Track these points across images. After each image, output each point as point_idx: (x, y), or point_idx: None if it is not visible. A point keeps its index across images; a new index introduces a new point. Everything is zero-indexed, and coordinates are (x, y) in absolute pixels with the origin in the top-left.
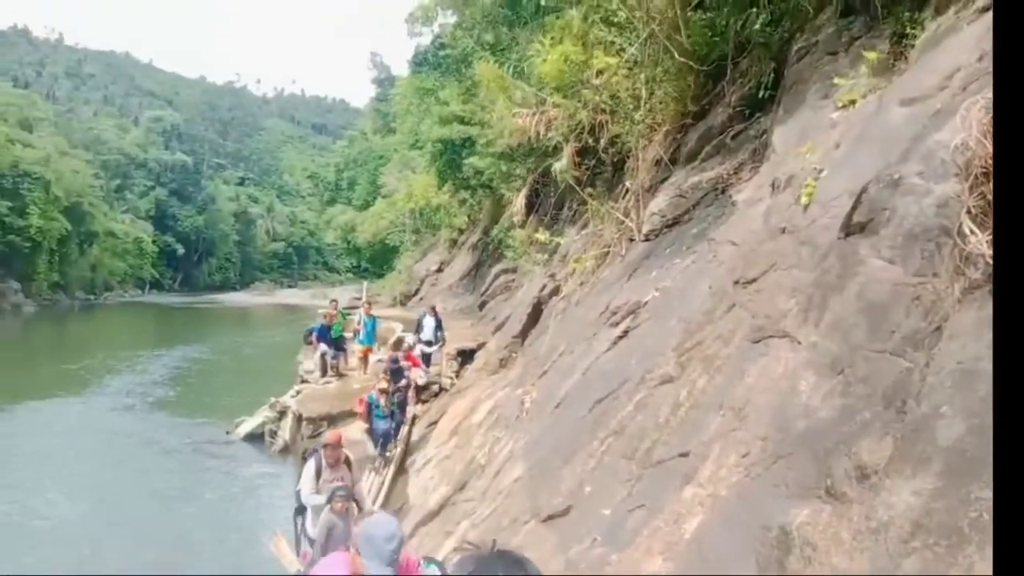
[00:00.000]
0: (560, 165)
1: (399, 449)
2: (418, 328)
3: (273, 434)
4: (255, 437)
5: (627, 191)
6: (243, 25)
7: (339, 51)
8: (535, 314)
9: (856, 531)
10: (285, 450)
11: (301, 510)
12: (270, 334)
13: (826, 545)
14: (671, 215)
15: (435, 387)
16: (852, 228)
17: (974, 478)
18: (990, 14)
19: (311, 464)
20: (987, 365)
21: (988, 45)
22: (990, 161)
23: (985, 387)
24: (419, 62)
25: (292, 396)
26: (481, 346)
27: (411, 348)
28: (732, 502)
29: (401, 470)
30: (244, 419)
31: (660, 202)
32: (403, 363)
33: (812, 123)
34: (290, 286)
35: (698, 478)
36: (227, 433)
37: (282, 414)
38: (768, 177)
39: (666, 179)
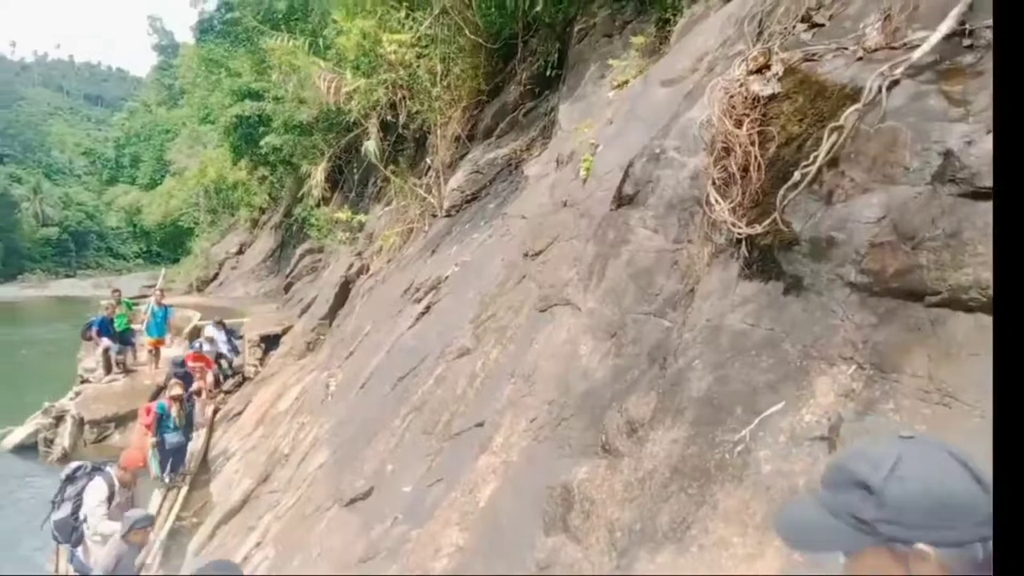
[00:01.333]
0: (368, 144)
1: (192, 465)
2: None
3: (49, 442)
4: (26, 448)
5: (429, 168)
6: None
7: (112, 14)
8: (343, 294)
9: (627, 482)
10: (65, 458)
11: (79, 540)
12: (43, 331)
13: (602, 498)
14: (470, 191)
15: (238, 377)
16: (623, 200)
17: (718, 424)
18: (731, 5)
19: (100, 485)
20: (729, 320)
21: (730, 31)
22: (730, 137)
23: (727, 340)
24: (204, 29)
25: (71, 399)
26: (287, 330)
27: (215, 352)
28: (522, 466)
29: (194, 486)
30: (11, 429)
31: (459, 178)
32: (190, 363)
33: (592, 101)
34: (68, 276)
35: (492, 446)
36: None
37: (59, 419)
38: (554, 153)
39: (465, 155)
